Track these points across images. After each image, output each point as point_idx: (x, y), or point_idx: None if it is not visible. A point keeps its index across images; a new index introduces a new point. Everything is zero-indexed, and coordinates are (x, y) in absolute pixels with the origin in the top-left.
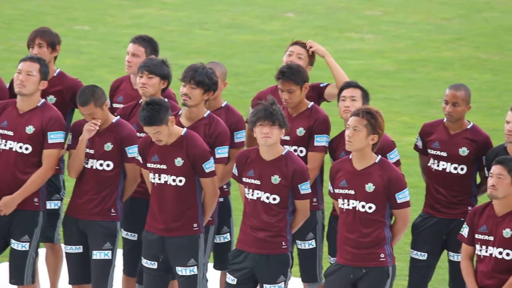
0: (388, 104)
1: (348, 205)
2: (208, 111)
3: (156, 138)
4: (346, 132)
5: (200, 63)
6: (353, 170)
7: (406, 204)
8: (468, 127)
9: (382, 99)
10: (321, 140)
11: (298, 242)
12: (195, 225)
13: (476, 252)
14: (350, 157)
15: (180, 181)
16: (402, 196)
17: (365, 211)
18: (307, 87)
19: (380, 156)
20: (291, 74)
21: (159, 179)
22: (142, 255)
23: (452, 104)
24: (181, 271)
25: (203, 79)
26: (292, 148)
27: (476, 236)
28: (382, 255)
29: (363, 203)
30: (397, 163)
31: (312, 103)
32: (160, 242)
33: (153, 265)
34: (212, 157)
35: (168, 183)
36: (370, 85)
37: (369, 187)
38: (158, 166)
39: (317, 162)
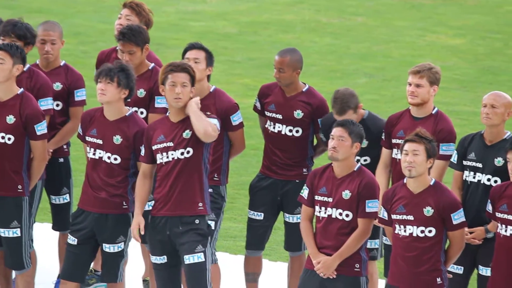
0: (230, 67)
1: (168, 157)
2: (28, 65)
3: None
4: (176, 90)
5: (18, 18)
6: (170, 124)
7: None
8: (304, 89)
9: (224, 62)
10: (161, 102)
11: None
12: (19, 186)
13: (316, 213)
14: (167, 114)
15: (9, 139)
16: None
17: (182, 157)
18: (147, 48)
19: None
20: (131, 36)
21: None
22: None
23: (278, 69)
24: (3, 232)
25: (24, 33)
26: (132, 110)
27: (316, 197)
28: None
29: (182, 150)
30: (240, 125)
31: (153, 64)
32: None
33: None
34: (44, 120)
35: None
36: (213, 47)
37: (187, 134)
38: None
39: None
